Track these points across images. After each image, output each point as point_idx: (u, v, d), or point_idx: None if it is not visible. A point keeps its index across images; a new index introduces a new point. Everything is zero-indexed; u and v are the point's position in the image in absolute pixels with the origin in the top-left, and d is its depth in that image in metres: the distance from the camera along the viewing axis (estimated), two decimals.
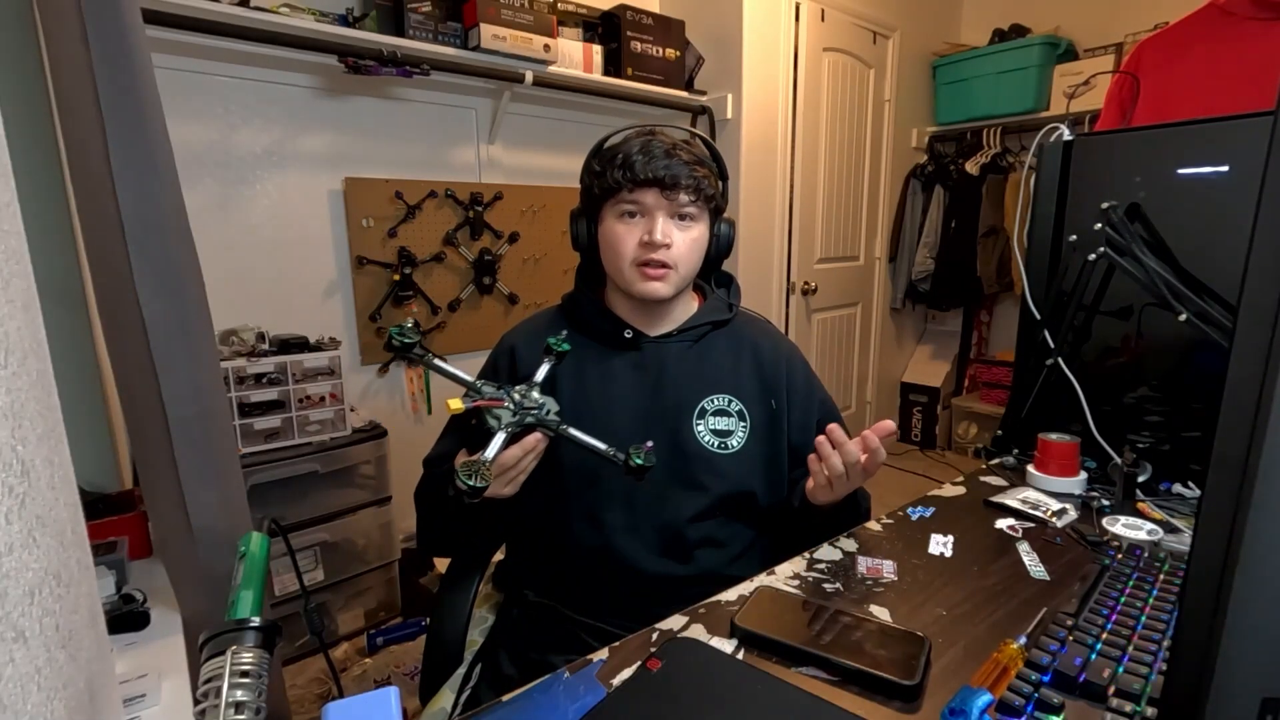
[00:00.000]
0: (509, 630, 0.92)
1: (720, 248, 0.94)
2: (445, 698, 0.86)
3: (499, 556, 1.04)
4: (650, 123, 0.95)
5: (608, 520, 0.87)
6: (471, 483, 0.68)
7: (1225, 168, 0.96)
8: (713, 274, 1.01)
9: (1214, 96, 1.45)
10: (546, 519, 0.91)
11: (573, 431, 0.79)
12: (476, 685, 0.88)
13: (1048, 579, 0.79)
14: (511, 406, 0.77)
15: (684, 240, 0.87)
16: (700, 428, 0.90)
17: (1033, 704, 0.56)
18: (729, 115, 2.51)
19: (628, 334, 0.92)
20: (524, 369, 0.90)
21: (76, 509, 0.39)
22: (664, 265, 0.86)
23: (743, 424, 0.92)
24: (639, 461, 0.77)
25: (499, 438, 0.74)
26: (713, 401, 0.91)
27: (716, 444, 0.90)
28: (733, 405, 0.92)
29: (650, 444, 0.78)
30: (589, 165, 0.90)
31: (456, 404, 0.75)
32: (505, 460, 0.75)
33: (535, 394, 0.79)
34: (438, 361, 0.77)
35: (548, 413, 0.78)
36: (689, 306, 0.96)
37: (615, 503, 0.88)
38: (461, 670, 0.89)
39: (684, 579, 0.87)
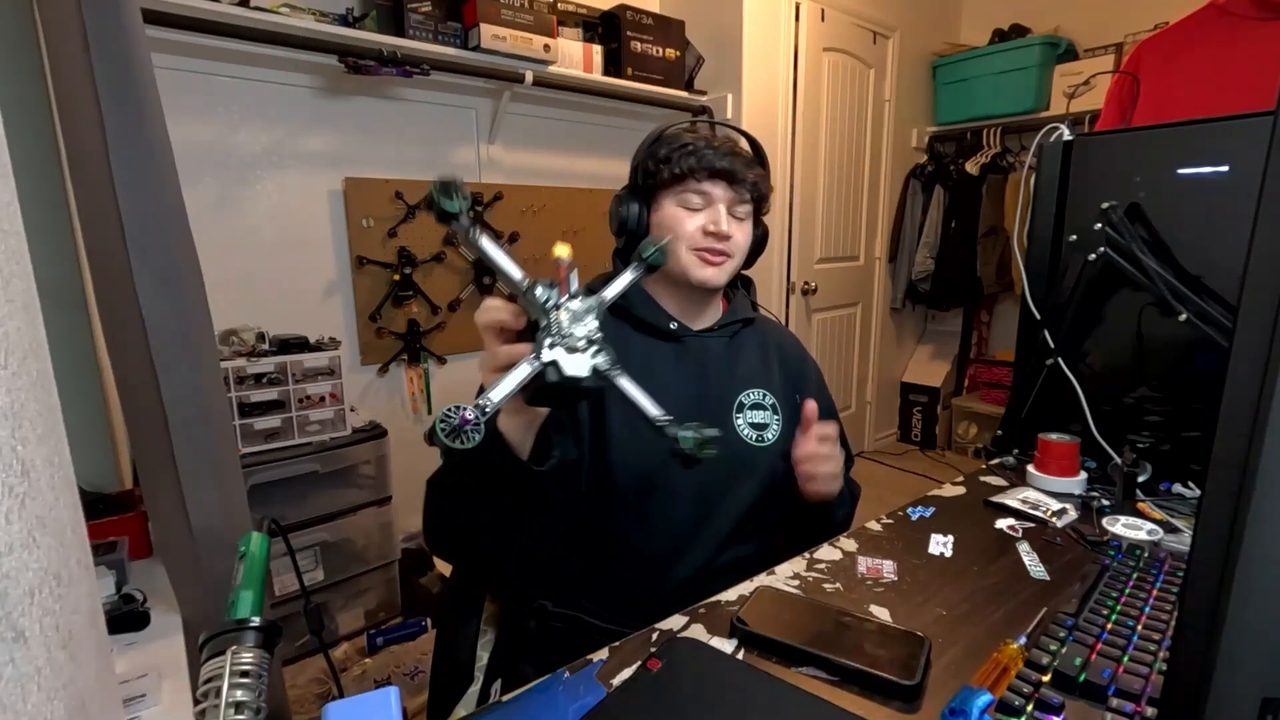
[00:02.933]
0: (529, 642, 0.89)
1: (756, 249, 0.97)
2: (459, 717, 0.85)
3: None
4: (704, 119, 0.97)
5: (654, 520, 0.86)
6: (451, 443, 0.51)
7: (1225, 168, 0.96)
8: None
9: (1214, 96, 1.45)
10: (584, 521, 0.88)
11: (623, 381, 0.61)
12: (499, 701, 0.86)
13: (1048, 579, 0.79)
14: (551, 333, 0.56)
15: (741, 234, 0.89)
16: (740, 421, 0.91)
17: (1033, 704, 0.56)
18: (729, 115, 2.51)
19: (672, 325, 0.92)
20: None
21: (76, 509, 0.39)
22: (724, 254, 0.88)
23: (776, 417, 0.94)
24: (692, 449, 0.62)
25: (516, 374, 0.55)
26: (749, 396, 0.93)
27: (755, 437, 0.91)
28: (767, 399, 0.94)
29: (715, 432, 0.64)
30: (652, 151, 0.90)
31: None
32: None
33: (586, 325, 0.58)
34: (484, 243, 0.58)
35: (595, 352, 0.58)
36: (718, 305, 0.98)
37: (660, 501, 0.86)
38: (475, 689, 0.88)
39: (718, 575, 0.86)
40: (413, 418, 2.17)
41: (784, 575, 0.80)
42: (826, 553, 0.86)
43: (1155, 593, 0.71)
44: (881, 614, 0.72)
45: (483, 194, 2.15)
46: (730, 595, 0.76)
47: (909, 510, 0.98)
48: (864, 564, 0.82)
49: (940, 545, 0.87)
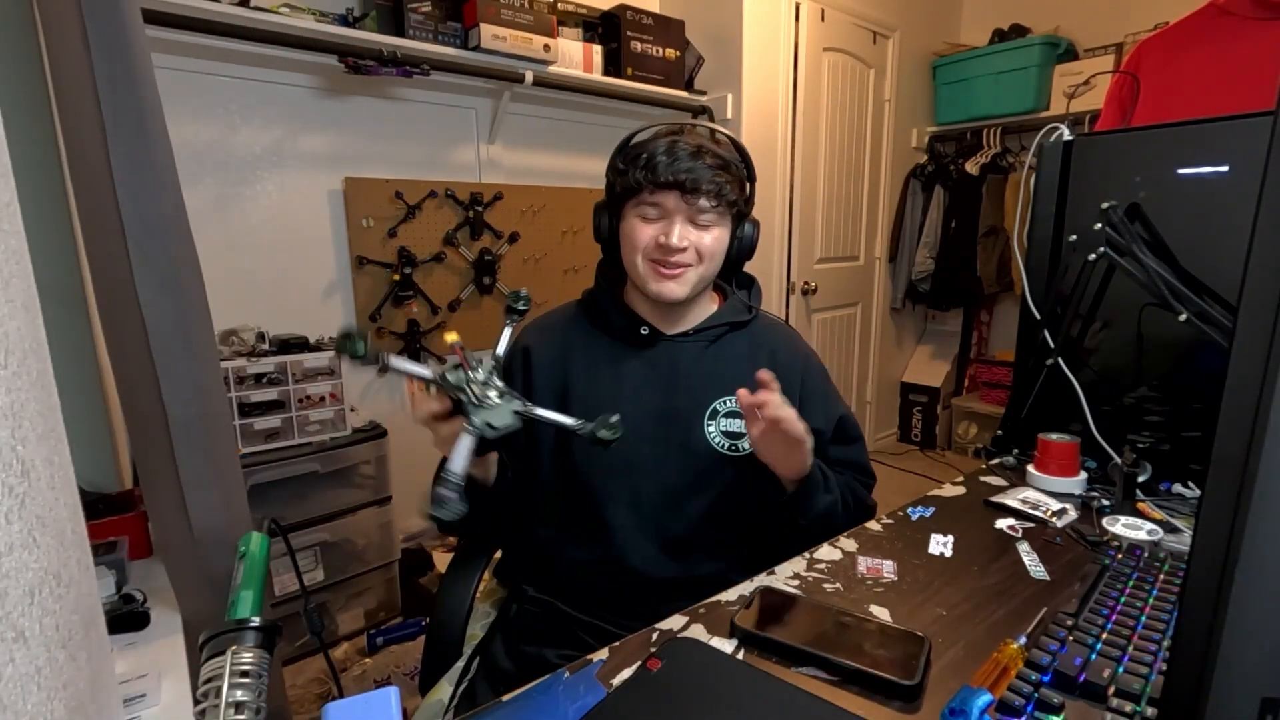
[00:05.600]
0: (506, 624, 0.93)
1: (742, 249, 0.93)
2: (443, 690, 0.87)
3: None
4: (679, 122, 0.93)
5: (615, 521, 0.87)
6: (439, 515, 0.67)
7: (1225, 168, 0.96)
8: (734, 275, 1.00)
9: (1214, 96, 1.45)
10: (552, 517, 0.91)
11: (538, 411, 0.75)
12: (473, 679, 0.88)
13: (1048, 579, 0.79)
14: (471, 405, 0.71)
15: (701, 242, 0.86)
16: (711, 429, 0.90)
17: (1033, 704, 0.56)
18: (729, 115, 2.51)
19: (644, 331, 0.92)
20: (540, 373, 0.91)
21: (76, 509, 0.39)
22: (680, 265, 0.86)
23: None
24: (604, 434, 0.74)
25: (464, 445, 0.71)
26: (725, 403, 0.91)
27: (727, 446, 0.89)
28: None
29: (617, 416, 0.74)
30: (614, 162, 0.89)
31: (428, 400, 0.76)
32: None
33: (493, 386, 0.73)
34: (394, 361, 0.74)
35: (509, 400, 0.73)
36: (708, 307, 0.96)
37: (623, 504, 0.88)
38: (460, 664, 0.90)
39: (687, 582, 0.87)
40: (413, 418, 2.17)
41: (784, 575, 0.80)
42: (826, 553, 0.86)
43: (1155, 593, 0.71)
44: (881, 614, 0.72)
45: (483, 194, 2.15)
46: (730, 595, 0.76)
47: (909, 510, 0.98)
48: (864, 564, 0.82)
49: (940, 545, 0.87)
